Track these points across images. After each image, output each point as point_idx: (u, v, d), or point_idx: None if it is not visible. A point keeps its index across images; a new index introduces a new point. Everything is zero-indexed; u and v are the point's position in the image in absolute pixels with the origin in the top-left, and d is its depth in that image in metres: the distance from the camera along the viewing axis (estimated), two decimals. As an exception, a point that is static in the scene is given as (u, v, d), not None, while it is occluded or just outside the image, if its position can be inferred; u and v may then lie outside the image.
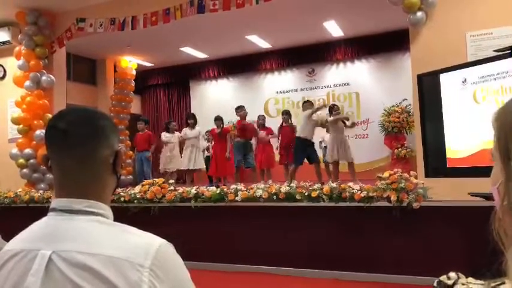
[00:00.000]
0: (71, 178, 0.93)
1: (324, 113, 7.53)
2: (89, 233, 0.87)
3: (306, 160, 7.25)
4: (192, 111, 11.06)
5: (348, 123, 7.59)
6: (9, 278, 0.86)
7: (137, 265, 0.82)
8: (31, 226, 0.94)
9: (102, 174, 0.96)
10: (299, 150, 7.15)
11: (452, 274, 0.74)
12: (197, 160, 8.22)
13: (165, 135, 8.63)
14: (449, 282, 0.72)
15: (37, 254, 0.85)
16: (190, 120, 8.26)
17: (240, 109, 8.09)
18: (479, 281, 0.70)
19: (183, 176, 8.93)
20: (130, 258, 0.82)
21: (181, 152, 8.51)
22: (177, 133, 8.76)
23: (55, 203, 0.92)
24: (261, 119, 8.29)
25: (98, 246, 0.84)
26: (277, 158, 8.39)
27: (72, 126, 0.92)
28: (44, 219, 0.93)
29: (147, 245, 0.86)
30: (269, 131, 8.07)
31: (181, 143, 8.54)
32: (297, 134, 7.32)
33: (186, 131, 8.21)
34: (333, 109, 7.45)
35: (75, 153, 0.92)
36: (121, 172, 1.00)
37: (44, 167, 6.97)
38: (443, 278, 0.74)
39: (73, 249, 0.84)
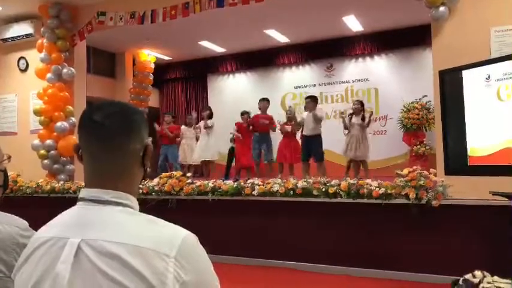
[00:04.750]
0: (102, 168, 0.95)
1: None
2: (117, 222, 0.89)
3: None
4: (209, 105, 11.12)
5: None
6: (40, 264, 0.89)
7: (163, 255, 0.83)
8: (60, 215, 0.96)
9: (131, 167, 0.98)
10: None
11: (477, 272, 0.74)
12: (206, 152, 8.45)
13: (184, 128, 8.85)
14: (475, 280, 0.72)
15: (66, 242, 0.88)
16: (206, 112, 8.56)
17: (260, 102, 8.17)
18: (505, 280, 0.70)
19: (201, 169, 9.02)
20: (156, 248, 0.84)
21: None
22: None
23: (84, 192, 0.95)
24: (288, 113, 8.19)
25: (125, 235, 0.86)
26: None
27: (107, 119, 0.94)
28: (73, 208, 0.95)
29: (173, 235, 0.88)
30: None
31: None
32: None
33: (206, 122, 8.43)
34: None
35: (108, 145, 0.94)
36: (148, 165, 1.02)
37: (63, 158, 7.10)
38: (468, 276, 0.74)
39: (101, 238, 0.86)
